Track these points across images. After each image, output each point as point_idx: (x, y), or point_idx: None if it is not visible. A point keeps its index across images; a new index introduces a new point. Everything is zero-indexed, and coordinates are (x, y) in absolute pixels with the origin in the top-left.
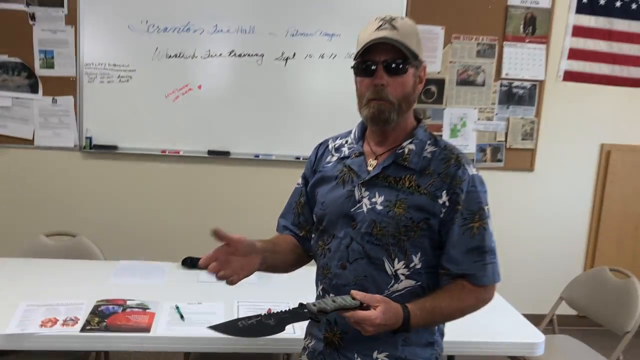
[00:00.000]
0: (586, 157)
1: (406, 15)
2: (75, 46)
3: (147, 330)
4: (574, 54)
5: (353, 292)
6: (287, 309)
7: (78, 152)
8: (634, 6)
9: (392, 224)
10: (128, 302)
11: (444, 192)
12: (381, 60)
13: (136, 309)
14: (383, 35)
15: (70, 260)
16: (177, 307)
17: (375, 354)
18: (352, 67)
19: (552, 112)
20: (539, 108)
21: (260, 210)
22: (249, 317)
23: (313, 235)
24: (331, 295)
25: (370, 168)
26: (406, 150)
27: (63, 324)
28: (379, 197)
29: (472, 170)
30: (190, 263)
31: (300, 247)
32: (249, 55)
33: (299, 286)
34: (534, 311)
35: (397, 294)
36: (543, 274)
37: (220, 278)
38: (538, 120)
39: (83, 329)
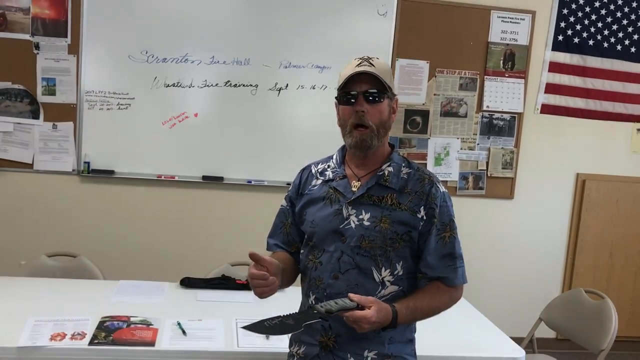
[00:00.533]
0: (563, 186)
1: (393, 49)
2: (77, 74)
3: (152, 344)
4: (551, 88)
5: (350, 294)
6: (302, 311)
7: (76, 176)
8: (605, 44)
9: (379, 237)
10: (132, 319)
11: (422, 207)
12: (361, 90)
13: (140, 325)
14: (363, 70)
15: (72, 279)
16: (179, 323)
17: (365, 353)
18: (335, 98)
19: (530, 143)
20: (518, 139)
21: (252, 234)
22: (272, 318)
23: (302, 251)
24: (332, 299)
25: (354, 189)
26: (386, 172)
27: (72, 338)
28: (366, 214)
29: (442, 188)
30: (189, 283)
31: (294, 262)
32: (243, 85)
33: (291, 304)
34: (513, 334)
35: (383, 298)
36: (521, 297)
37: (261, 293)
38: (517, 150)
39: (91, 343)
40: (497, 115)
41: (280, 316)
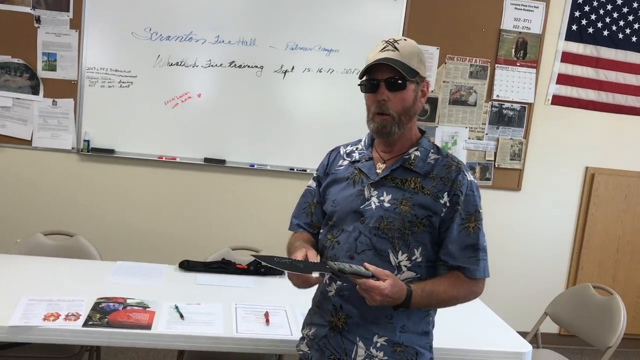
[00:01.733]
0: (571, 180)
1: (403, 34)
2: (79, 50)
3: (148, 327)
4: (563, 79)
5: (365, 264)
6: (315, 262)
7: (75, 155)
8: (620, 36)
9: (398, 220)
10: (128, 301)
11: (445, 193)
12: (383, 78)
13: (136, 307)
14: (385, 57)
15: (68, 259)
16: (177, 307)
17: (375, 338)
18: (358, 85)
19: (539, 134)
20: (527, 130)
21: (253, 218)
22: (283, 257)
23: (322, 230)
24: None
25: (379, 171)
26: (412, 156)
27: (65, 319)
28: (387, 195)
29: (469, 177)
30: (188, 266)
31: (316, 244)
32: (248, 66)
33: (292, 289)
34: (516, 327)
35: None
36: (526, 290)
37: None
38: (526, 141)
39: (85, 324)
40: (507, 105)
41: (292, 258)
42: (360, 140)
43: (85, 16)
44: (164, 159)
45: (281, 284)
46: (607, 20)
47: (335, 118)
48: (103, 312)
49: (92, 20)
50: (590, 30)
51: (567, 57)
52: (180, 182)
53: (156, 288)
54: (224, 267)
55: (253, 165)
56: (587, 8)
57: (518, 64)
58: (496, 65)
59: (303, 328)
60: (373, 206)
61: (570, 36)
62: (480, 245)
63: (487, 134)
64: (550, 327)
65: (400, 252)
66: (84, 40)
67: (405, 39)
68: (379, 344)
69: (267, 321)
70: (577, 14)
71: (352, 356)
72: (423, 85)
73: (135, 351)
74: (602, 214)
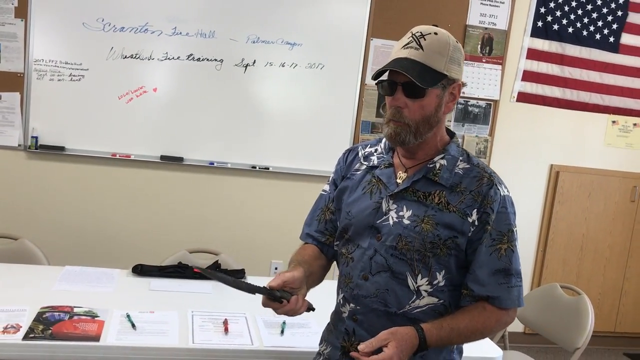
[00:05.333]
0: (536, 177)
1: (368, 28)
2: (25, 40)
3: (97, 339)
4: (528, 76)
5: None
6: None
7: (22, 152)
8: (585, 33)
9: (418, 240)
10: (75, 310)
11: (475, 210)
12: (400, 81)
13: (84, 317)
14: (404, 56)
15: (11, 264)
16: (128, 316)
17: None
18: (375, 83)
19: (505, 132)
20: (492, 127)
21: (213, 219)
22: (227, 275)
23: (337, 242)
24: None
25: (399, 181)
26: (437, 166)
27: (3, 332)
28: (407, 211)
29: (504, 191)
30: (141, 270)
31: (324, 258)
32: (207, 59)
33: (252, 296)
34: None
35: (418, 310)
36: None
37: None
38: (491, 139)
39: (26, 337)
40: (472, 102)
41: (237, 277)
42: (380, 140)
43: (31, 4)
44: (117, 156)
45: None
46: (572, 17)
47: (299, 114)
48: (47, 323)
49: (39, 9)
50: (556, 27)
51: (532, 54)
52: (135, 181)
53: (107, 295)
54: (180, 271)
55: (213, 163)
56: (552, 4)
57: (484, 61)
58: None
59: (320, 343)
60: (391, 222)
61: (535, 33)
62: (514, 270)
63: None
64: (515, 326)
65: (419, 276)
66: (31, 31)
67: (435, 33)
68: None
69: (226, 330)
70: (542, 10)
71: None
72: (453, 87)
73: None
74: (566, 211)
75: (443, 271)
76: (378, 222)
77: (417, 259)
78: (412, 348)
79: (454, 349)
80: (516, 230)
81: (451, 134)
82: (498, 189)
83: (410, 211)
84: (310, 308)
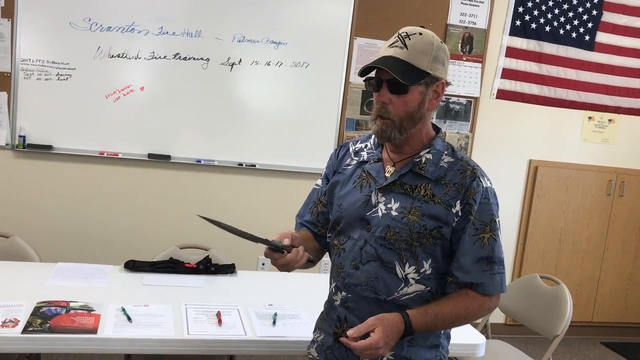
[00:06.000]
0: (516, 172)
1: (352, 28)
2: (12, 40)
3: (94, 331)
4: (507, 74)
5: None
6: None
7: (10, 151)
8: (561, 31)
9: (405, 230)
10: (71, 304)
11: (458, 201)
12: (385, 78)
13: (80, 311)
14: (389, 55)
15: (4, 261)
16: (124, 309)
17: None
18: (364, 80)
19: (485, 128)
20: (473, 124)
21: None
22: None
23: (329, 234)
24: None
25: (387, 174)
26: (423, 160)
27: (2, 326)
28: (395, 203)
29: (486, 183)
30: (133, 266)
31: (317, 243)
32: (194, 58)
33: (243, 290)
34: None
35: (406, 297)
36: None
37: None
38: (472, 135)
39: (24, 331)
40: (453, 99)
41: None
42: (370, 137)
43: (18, 4)
44: (105, 155)
45: (232, 283)
46: (549, 16)
47: (284, 112)
48: (44, 317)
49: (26, 8)
50: (534, 25)
51: (511, 52)
52: (123, 179)
53: (101, 290)
54: (172, 266)
55: (200, 161)
56: (530, 4)
57: (464, 59)
58: None
59: (314, 330)
60: (380, 214)
61: (514, 31)
62: (496, 258)
63: None
64: (496, 317)
65: (407, 264)
66: (18, 30)
67: (420, 33)
68: (385, 358)
69: (220, 321)
70: (520, 9)
71: None
72: (437, 85)
73: (79, 357)
74: (545, 205)
75: (430, 260)
76: (368, 214)
77: (404, 249)
78: (399, 333)
79: (441, 334)
80: (499, 221)
81: (437, 130)
82: (480, 181)
83: (398, 203)
84: (310, 260)
